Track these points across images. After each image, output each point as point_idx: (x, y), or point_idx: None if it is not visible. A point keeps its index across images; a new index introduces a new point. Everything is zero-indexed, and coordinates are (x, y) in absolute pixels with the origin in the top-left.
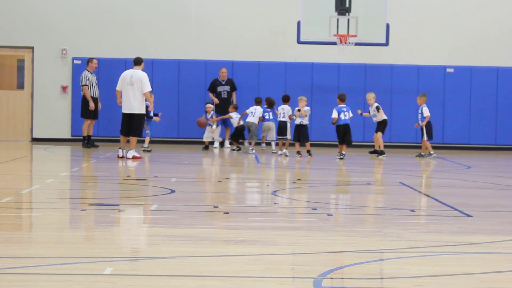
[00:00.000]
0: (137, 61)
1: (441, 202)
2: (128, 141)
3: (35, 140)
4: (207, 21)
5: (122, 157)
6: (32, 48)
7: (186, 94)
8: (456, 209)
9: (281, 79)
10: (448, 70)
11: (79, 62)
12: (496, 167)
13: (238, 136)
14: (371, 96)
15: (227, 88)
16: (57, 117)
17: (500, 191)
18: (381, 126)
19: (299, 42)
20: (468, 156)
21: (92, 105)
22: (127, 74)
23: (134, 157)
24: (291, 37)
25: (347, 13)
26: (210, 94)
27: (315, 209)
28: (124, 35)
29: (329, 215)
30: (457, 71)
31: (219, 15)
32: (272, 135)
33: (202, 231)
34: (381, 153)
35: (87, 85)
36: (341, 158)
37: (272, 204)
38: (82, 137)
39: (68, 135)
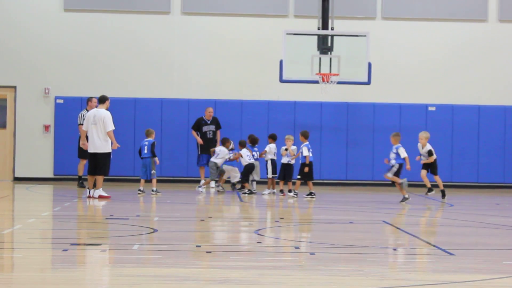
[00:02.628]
0: (101, 99)
1: (423, 240)
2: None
3: (17, 179)
4: (189, 60)
5: (90, 196)
6: (15, 87)
7: (168, 132)
8: (438, 248)
9: (263, 117)
10: (430, 108)
11: (61, 101)
12: (479, 205)
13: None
14: (423, 136)
15: (212, 127)
16: (39, 156)
17: (482, 229)
18: (434, 166)
19: (281, 80)
20: (450, 194)
21: (84, 145)
22: (91, 113)
23: (100, 196)
24: (273, 75)
25: (329, 52)
26: (194, 133)
27: (298, 248)
28: (107, 74)
29: (311, 254)
30: (439, 109)
31: (201, 54)
32: (257, 174)
33: (185, 270)
34: (429, 190)
35: (83, 124)
36: (312, 197)
37: (255, 243)
38: (77, 177)
39: (50, 174)
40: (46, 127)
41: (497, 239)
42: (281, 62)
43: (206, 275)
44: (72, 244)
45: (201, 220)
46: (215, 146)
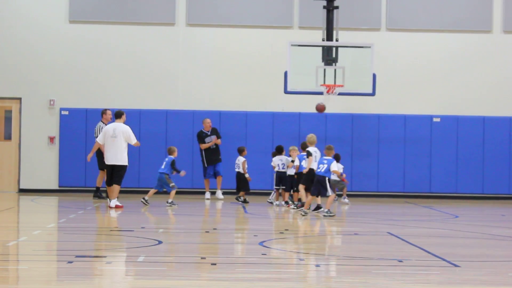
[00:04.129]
0: (118, 115)
1: (428, 252)
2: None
3: (22, 191)
4: (194, 72)
5: (111, 207)
6: (20, 99)
7: (173, 144)
8: (443, 259)
9: (268, 129)
10: (435, 119)
11: (66, 112)
12: (484, 216)
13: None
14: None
15: (214, 138)
16: (44, 167)
17: (487, 241)
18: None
19: (286, 92)
20: (455, 205)
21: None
22: (110, 127)
23: (117, 206)
24: (278, 87)
25: (333, 63)
26: (204, 146)
27: (303, 260)
28: (112, 85)
29: (317, 265)
30: (443, 120)
31: (206, 65)
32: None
33: (190, 282)
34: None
35: None
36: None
37: (259, 255)
38: (95, 188)
39: (55, 186)
40: (51, 139)
41: (503, 251)
42: (285, 73)
43: (211, 287)
44: (77, 256)
45: (206, 231)
46: (219, 155)
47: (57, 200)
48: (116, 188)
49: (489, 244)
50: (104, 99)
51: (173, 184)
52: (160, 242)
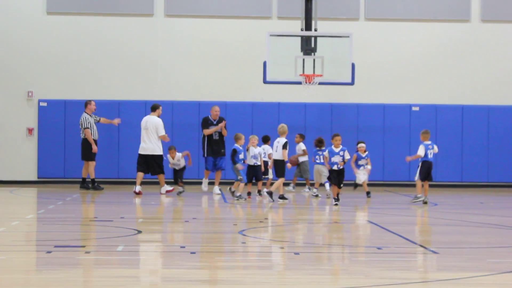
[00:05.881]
0: (153, 108)
1: (407, 239)
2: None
3: (0, 182)
4: (173, 62)
5: (139, 192)
6: None
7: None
8: (423, 246)
9: (248, 119)
10: (414, 108)
11: (45, 104)
12: (462, 204)
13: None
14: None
15: (218, 129)
16: (23, 159)
17: (466, 228)
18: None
19: (265, 82)
20: (434, 193)
21: (95, 148)
22: (143, 120)
23: (167, 191)
24: (257, 77)
25: (312, 53)
26: (207, 131)
27: (282, 248)
28: (90, 77)
29: (296, 253)
30: (422, 109)
31: (184, 56)
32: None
33: (169, 271)
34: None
35: (88, 128)
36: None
37: (239, 244)
38: (81, 179)
39: (34, 177)
40: (30, 130)
41: (481, 238)
42: (264, 63)
43: (190, 276)
44: (56, 246)
45: (186, 221)
46: (222, 148)
47: (36, 191)
48: (161, 177)
49: (467, 231)
50: (83, 90)
51: (240, 177)
52: (139, 232)
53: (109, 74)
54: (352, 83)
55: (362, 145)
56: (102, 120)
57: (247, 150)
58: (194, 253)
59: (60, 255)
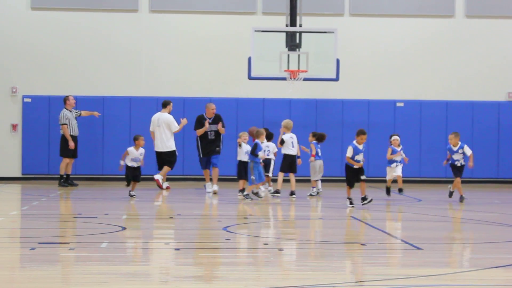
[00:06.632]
0: (164, 104)
1: (391, 235)
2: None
3: None
4: (157, 58)
5: (166, 188)
6: None
7: (137, 131)
8: (406, 242)
9: (232, 114)
10: (398, 104)
11: (29, 100)
12: (446, 200)
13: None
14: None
15: (214, 127)
16: (7, 155)
17: (449, 224)
18: None
19: (250, 77)
20: (418, 189)
21: (72, 144)
22: (155, 117)
23: (157, 181)
24: (242, 72)
25: (297, 49)
26: (200, 131)
27: (267, 244)
28: (75, 72)
29: (280, 250)
30: (407, 105)
31: (169, 52)
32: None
33: (153, 268)
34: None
35: (66, 124)
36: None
37: (223, 240)
38: (59, 176)
39: (18, 174)
40: (14, 126)
41: (464, 233)
42: (249, 59)
43: (174, 272)
44: (40, 243)
45: (170, 217)
46: (218, 146)
47: (20, 187)
48: (166, 168)
49: (450, 227)
50: (67, 86)
51: (253, 177)
52: (123, 228)
53: (93, 70)
54: (337, 79)
55: (396, 137)
56: (84, 113)
57: (239, 146)
58: (178, 249)
59: (44, 251)
